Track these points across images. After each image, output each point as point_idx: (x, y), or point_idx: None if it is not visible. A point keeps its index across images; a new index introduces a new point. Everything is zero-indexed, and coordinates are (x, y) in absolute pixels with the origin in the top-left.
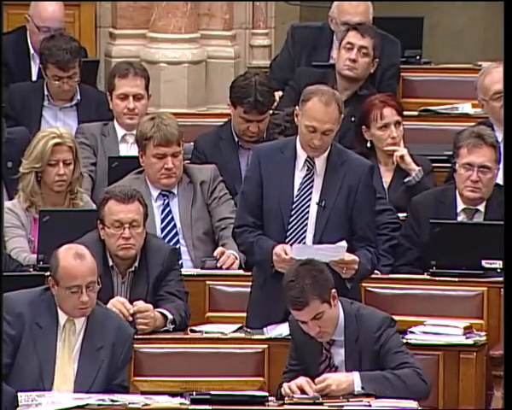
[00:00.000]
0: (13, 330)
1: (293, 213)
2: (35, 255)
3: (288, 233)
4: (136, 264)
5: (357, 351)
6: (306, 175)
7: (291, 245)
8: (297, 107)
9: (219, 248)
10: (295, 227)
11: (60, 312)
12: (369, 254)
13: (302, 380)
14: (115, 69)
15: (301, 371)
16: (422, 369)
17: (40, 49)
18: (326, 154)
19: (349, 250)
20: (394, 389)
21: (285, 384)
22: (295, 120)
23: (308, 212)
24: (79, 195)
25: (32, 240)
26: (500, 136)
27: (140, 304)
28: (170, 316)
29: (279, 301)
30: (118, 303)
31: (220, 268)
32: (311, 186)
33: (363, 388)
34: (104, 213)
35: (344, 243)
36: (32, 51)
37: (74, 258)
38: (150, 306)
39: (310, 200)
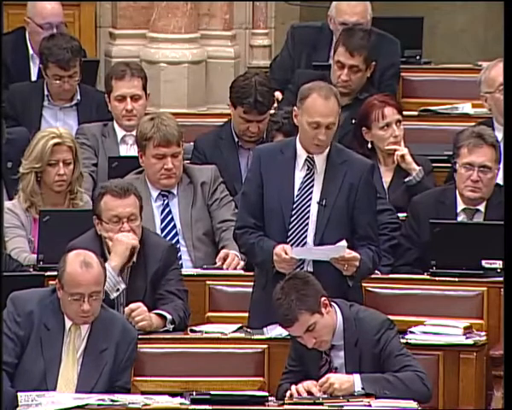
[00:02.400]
0: (21, 331)
1: (293, 212)
2: (35, 255)
3: (289, 233)
4: (134, 259)
5: (356, 354)
6: (307, 175)
7: (292, 245)
8: (295, 108)
9: (222, 252)
10: (296, 227)
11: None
12: (371, 253)
13: (309, 383)
14: (112, 71)
15: (301, 372)
16: (424, 371)
17: (40, 48)
18: (326, 153)
19: (351, 249)
20: (395, 392)
21: (293, 387)
22: (294, 121)
23: (309, 211)
24: (79, 195)
25: (32, 240)
26: (500, 135)
27: (130, 305)
28: (169, 316)
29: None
30: None
31: (220, 268)
32: (312, 186)
33: (363, 388)
34: (100, 208)
35: (344, 243)
36: (31, 52)
37: (81, 266)
38: (140, 303)
39: (310, 199)
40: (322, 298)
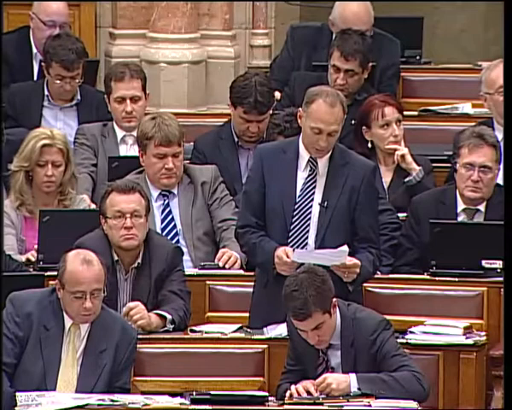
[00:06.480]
0: (21, 332)
1: (295, 213)
2: (21, 256)
3: (291, 233)
4: (140, 260)
5: (352, 354)
6: (309, 175)
7: (293, 245)
8: (300, 109)
9: (221, 251)
10: (297, 227)
11: (65, 315)
12: (371, 256)
13: (307, 382)
14: (111, 72)
15: (299, 372)
16: (422, 371)
17: (45, 47)
18: (329, 154)
19: (351, 252)
20: (391, 392)
21: (292, 387)
22: (298, 121)
23: (310, 212)
24: (70, 196)
25: (23, 239)
26: (500, 135)
27: (129, 304)
28: (168, 316)
29: (281, 303)
30: None
31: (221, 268)
32: (314, 187)
33: (359, 388)
34: (106, 206)
35: (345, 248)
36: (34, 51)
37: (81, 263)
38: (138, 302)
39: (312, 200)
40: (334, 299)
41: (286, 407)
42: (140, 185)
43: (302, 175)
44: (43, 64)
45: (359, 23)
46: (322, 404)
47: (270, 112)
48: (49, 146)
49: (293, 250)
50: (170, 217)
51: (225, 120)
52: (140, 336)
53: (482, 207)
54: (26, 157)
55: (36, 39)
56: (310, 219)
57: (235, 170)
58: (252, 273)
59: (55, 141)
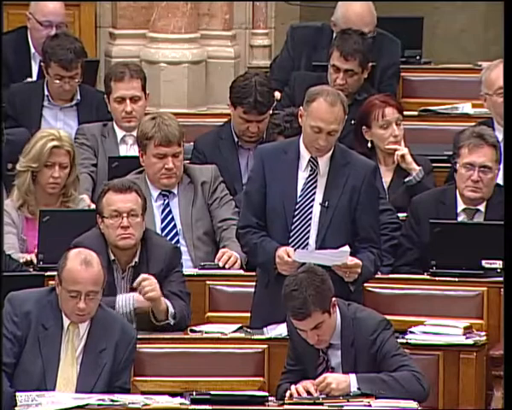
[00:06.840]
0: (19, 331)
1: (296, 213)
2: (22, 254)
3: (292, 233)
4: (137, 259)
5: (352, 354)
6: (310, 175)
7: (294, 245)
8: (301, 108)
9: (221, 251)
10: (298, 227)
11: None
12: (372, 256)
13: (307, 382)
14: (111, 72)
15: (299, 372)
16: (422, 371)
17: (44, 47)
18: (329, 154)
19: (352, 252)
20: (391, 392)
21: (292, 387)
22: (299, 121)
23: (311, 212)
24: (73, 198)
25: (24, 239)
26: (500, 135)
27: (142, 275)
28: (171, 309)
29: (282, 303)
30: None
31: (221, 268)
32: (315, 186)
33: (359, 388)
34: (102, 205)
35: (347, 248)
36: (32, 51)
37: (81, 263)
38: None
39: (313, 200)
40: (333, 298)
41: (286, 407)
42: (136, 184)
43: (303, 175)
44: (42, 64)
45: (362, 24)
46: (322, 404)
47: (270, 112)
48: (57, 148)
49: (295, 250)
50: (170, 217)
51: (225, 120)
52: (140, 336)
53: (482, 207)
54: (34, 158)
55: (34, 39)
56: (311, 219)
57: (235, 170)
58: (252, 273)
59: (63, 143)
